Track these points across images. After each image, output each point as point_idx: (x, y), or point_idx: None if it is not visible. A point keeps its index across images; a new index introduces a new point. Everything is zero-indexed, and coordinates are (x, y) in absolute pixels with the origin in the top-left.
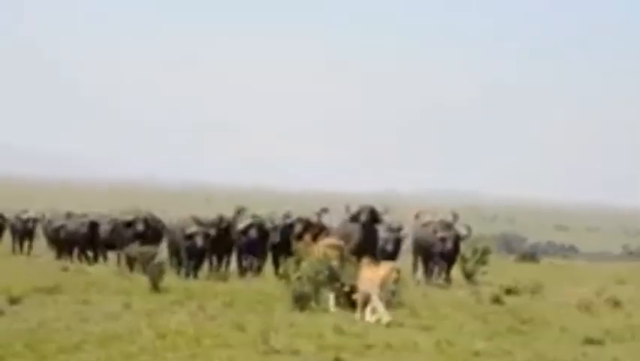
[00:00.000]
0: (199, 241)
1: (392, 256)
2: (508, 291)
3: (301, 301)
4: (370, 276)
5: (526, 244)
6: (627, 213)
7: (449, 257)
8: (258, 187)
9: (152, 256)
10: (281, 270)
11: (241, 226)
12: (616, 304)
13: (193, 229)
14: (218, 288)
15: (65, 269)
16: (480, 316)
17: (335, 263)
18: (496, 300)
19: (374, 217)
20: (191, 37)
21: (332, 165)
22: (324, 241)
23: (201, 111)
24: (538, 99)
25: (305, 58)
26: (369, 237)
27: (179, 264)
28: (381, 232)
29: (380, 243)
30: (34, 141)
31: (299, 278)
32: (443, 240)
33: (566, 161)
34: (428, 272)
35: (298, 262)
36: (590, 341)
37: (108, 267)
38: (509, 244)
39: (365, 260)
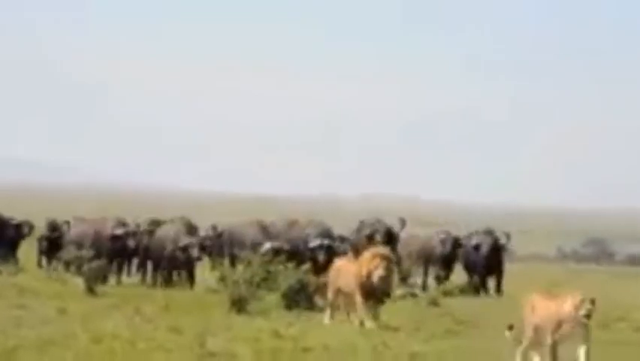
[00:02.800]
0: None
1: None
2: (445, 293)
3: (238, 305)
4: (550, 309)
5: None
6: (560, 214)
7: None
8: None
9: (89, 260)
10: (218, 273)
11: (311, 244)
12: None
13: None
14: (155, 292)
15: None
16: (417, 318)
17: (382, 273)
18: (433, 302)
19: (390, 238)
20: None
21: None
22: (371, 250)
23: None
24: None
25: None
26: None
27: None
28: None
29: None
30: None
31: (236, 281)
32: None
33: (499, 164)
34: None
35: (233, 265)
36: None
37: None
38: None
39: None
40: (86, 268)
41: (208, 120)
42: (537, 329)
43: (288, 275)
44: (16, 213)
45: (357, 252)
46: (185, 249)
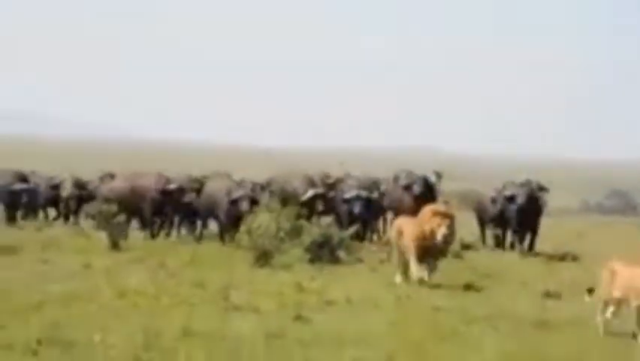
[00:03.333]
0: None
1: None
2: (467, 247)
3: (262, 259)
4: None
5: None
6: (583, 166)
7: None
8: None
9: (113, 215)
10: (243, 227)
11: (347, 195)
12: (574, 258)
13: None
14: (179, 246)
15: (22, 229)
16: (440, 271)
17: (446, 231)
18: (456, 255)
19: (429, 189)
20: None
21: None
22: (431, 208)
23: None
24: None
25: None
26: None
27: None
28: None
29: None
30: None
31: (260, 235)
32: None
33: (523, 116)
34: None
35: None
36: (548, 295)
37: (66, 227)
38: (467, 200)
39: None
40: (111, 223)
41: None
42: (618, 298)
43: (312, 229)
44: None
45: (400, 207)
46: (235, 202)
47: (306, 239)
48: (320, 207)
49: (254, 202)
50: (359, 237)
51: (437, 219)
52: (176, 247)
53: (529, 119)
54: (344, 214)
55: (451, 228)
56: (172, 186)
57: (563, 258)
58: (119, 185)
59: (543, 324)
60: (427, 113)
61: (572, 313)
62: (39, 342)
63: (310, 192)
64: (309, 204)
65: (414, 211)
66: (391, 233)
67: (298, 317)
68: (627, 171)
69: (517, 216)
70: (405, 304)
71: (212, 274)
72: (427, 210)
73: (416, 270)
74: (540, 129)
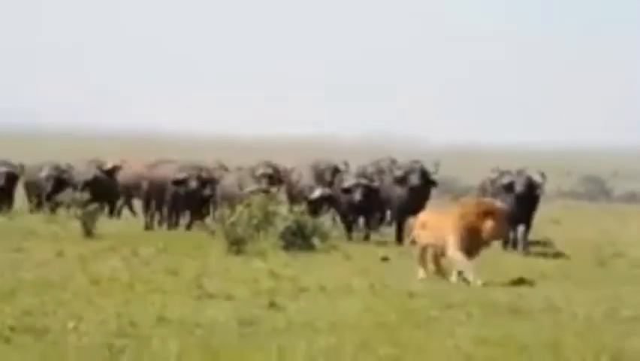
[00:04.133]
0: None
1: None
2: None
3: (236, 246)
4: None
5: (458, 186)
6: (558, 152)
7: None
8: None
9: (86, 203)
10: (217, 214)
11: (346, 184)
12: (548, 244)
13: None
14: (153, 234)
15: None
16: (412, 258)
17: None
18: None
19: (426, 179)
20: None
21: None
22: (475, 202)
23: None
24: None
25: None
26: (420, 201)
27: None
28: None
29: None
30: None
31: (234, 223)
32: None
33: (498, 102)
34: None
35: (233, 207)
36: (522, 281)
37: (39, 214)
38: (443, 186)
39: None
40: (84, 210)
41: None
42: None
43: (286, 216)
44: None
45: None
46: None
47: (280, 226)
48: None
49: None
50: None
51: (484, 213)
52: (149, 234)
53: (503, 107)
54: (344, 205)
55: (501, 222)
56: (181, 175)
57: (536, 244)
58: (135, 173)
59: (517, 310)
60: (411, 102)
61: (545, 299)
62: (12, 329)
63: (317, 192)
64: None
65: (410, 205)
66: (416, 228)
67: (272, 305)
68: (600, 157)
69: (516, 206)
70: (379, 291)
71: (186, 262)
72: (470, 204)
73: (465, 266)
74: (514, 117)
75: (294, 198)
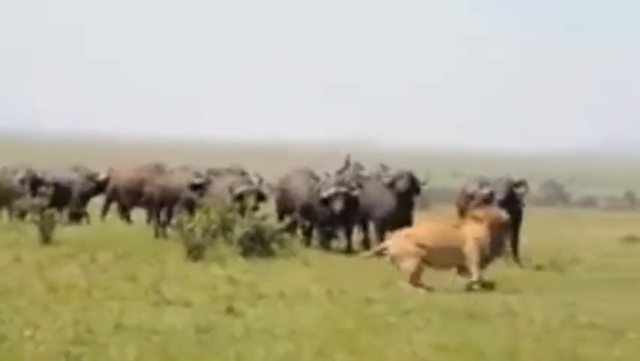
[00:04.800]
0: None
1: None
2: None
3: (194, 252)
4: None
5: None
6: (517, 158)
7: None
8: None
9: (44, 208)
10: (175, 220)
11: (324, 194)
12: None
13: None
14: (111, 240)
15: None
16: (372, 264)
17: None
18: None
19: (414, 186)
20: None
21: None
22: (482, 211)
23: None
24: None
25: None
26: (406, 208)
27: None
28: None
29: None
30: None
31: (192, 229)
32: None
33: (458, 107)
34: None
35: (191, 212)
36: (480, 287)
37: None
38: None
39: None
40: (42, 216)
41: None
42: None
43: (244, 222)
44: None
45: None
46: (240, 197)
47: (238, 232)
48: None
49: (261, 197)
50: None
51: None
52: (107, 241)
53: (465, 111)
54: (322, 215)
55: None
56: (198, 180)
57: None
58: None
59: (475, 316)
60: (364, 105)
61: (503, 305)
62: None
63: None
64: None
65: (397, 212)
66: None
67: (230, 311)
68: (559, 162)
69: None
70: (337, 298)
71: (144, 268)
72: (479, 214)
73: (478, 276)
74: (477, 122)
75: (286, 207)
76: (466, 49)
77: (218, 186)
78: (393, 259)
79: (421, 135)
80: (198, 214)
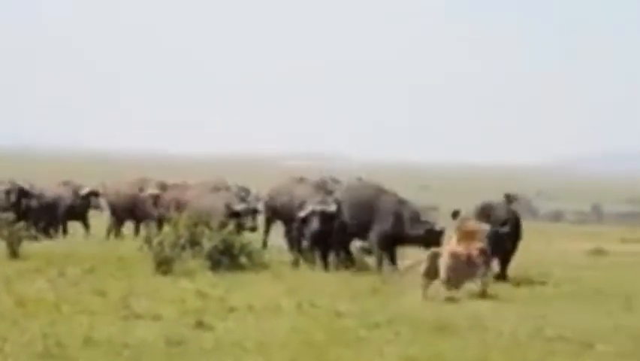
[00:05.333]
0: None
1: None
2: (369, 252)
3: (163, 266)
4: None
5: None
6: (485, 173)
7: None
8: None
9: (12, 222)
10: (144, 234)
11: (302, 214)
12: None
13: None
14: (80, 254)
15: None
16: (342, 277)
17: None
18: (358, 261)
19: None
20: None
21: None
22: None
23: None
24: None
25: None
26: None
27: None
28: None
29: None
30: None
31: (160, 243)
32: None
33: (427, 121)
34: None
35: (160, 227)
36: (449, 300)
37: None
38: None
39: None
40: (9, 230)
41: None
42: None
43: (212, 236)
44: None
45: None
46: (236, 215)
47: (207, 246)
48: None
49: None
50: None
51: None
52: (76, 255)
53: (431, 126)
54: (305, 235)
55: None
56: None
57: None
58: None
59: (444, 329)
60: (334, 120)
61: (472, 317)
62: None
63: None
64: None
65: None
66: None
67: (200, 324)
68: (526, 176)
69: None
70: (307, 311)
71: (113, 283)
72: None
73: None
74: (444, 137)
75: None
76: (437, 62)
77: (209, 201)
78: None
79: (388, 151)
80: (166, 228)
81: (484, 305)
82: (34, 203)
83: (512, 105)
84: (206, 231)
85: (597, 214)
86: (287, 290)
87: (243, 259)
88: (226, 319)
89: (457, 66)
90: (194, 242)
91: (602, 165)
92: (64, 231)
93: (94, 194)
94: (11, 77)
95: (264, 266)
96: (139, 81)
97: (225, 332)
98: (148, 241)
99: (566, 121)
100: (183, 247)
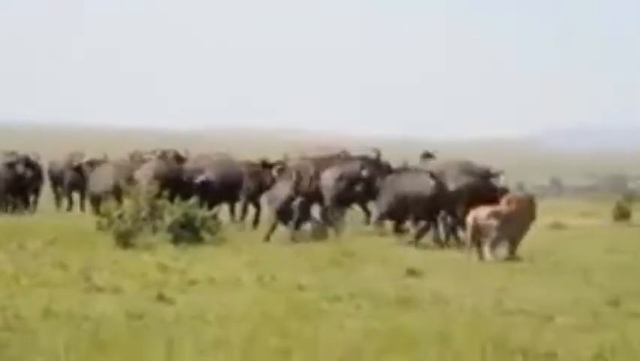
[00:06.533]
0: None
1: None
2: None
3: (124, 239)
4: None
5: None
6: (454, 148)
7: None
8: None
9: None
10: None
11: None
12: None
13: None
14: (40, 227)
15: None
16: (303, 250)
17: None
18: (321, 235)
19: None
20: None
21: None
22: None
23: None
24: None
25: None
26: None
27: None
28: None
29: None
30: None
31: (120, 216)
32: None
33: (393, 97)
34: None
35: (119, 200)
36: (411, 273)
37: None
38: None
39: None
40: None
41: None
42: None
43: (173, 209)
44: None
45: None
46: None
47: (168, 219)
48: None
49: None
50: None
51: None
52: (37, 228)
53: (398, 100)
54: None
55: None
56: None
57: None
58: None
59: (405, 302)
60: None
61: (433, 291)
62: None
63: None
64: None
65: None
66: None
67: (161, 297)
68: (496, 151)
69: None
70: (268, 284)
71: (74, 256)
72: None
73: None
74: (416, 111)
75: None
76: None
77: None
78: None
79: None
80: (127, 201)
81: (445, 279)
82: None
83: (476, 81)
84: (168, 204)
85: (557, 188)
86: (248, 263)
87: (204, 233)
88: (187, 292)
89: (420, 42)
90: (155, 216)
91: (565, 140)
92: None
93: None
94: None
95: (224, 240)
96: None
97: (186, 305)
98: (107, 214)
99: (544, 95)
100: (144, 220)
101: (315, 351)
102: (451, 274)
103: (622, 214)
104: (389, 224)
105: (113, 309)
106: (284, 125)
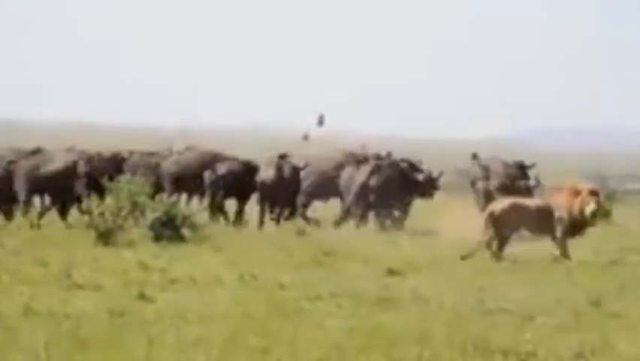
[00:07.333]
0: None
1: None
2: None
3: (105, 237)
4: None
5: None
6: (431, 146)
7: None
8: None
9: None
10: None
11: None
12: (416, 235)
13: None
14: (21, 225)
15: None
16: (285, 248)
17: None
18: (301, 233)
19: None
20: None
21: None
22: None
23: None
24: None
25: None
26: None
27: None
28: None
29: None
30: None
31: (102, 213)
32: None
33: (375, 93)
34: None
35: (102, 197)
36: (391, 273)
37: None
38: None
39: None
40: None
41: None
42: None
43: (155, 207)
44: None
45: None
46: None
47: (149, 217)
48: None
49: None
50: None
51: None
52: (17, 226)
53: (385, 97)
54: None
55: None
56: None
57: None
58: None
59: (386, 301)
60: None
61: (413, 290)
62: None
63: None
64: None
65: None
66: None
67: (141, 296)
68: (470, 149)
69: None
70: (249, 282)
71: (54, 253)
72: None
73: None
74: (395, 108)
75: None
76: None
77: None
78: None
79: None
80: (108, 199)
81: (425, 278)
82: None
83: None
84: (149, 202)
85: (539, 188)
86: (229, 262)
87: (185, 231)
88: (168, 290)
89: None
90: (136, 213)
91: (549, 141)
92: None
93: None
94: None
95: (206, 238)
96: None
97: (167, 304)
98: (87, 212)
99: (527, 95)
100: (125, 218)
101: (295, 350)
102: (431, 274)
103: (602, 214)
104: (372, 223)
105: (93, 307)
106: (283, 125)
